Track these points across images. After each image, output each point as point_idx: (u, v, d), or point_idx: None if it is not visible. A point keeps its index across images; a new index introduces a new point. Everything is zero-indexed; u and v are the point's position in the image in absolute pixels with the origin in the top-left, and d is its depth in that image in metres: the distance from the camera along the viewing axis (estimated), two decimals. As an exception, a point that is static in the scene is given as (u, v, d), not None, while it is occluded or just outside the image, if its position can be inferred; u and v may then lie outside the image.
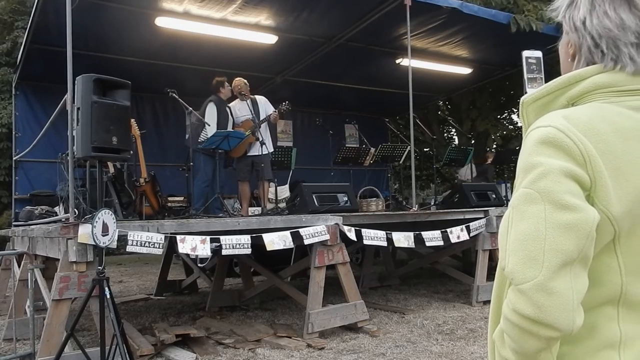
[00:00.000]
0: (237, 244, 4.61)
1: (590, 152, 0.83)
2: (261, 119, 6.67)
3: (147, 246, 4.18)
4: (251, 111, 6.64)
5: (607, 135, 0.86)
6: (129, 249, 4.13)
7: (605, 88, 0.91)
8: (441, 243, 6.04)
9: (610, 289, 0.87)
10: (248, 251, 4.67)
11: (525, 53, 1.40)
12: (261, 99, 6.85)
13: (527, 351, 0.84)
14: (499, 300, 0.95)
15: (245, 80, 6.86)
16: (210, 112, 6.50)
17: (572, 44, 0.98)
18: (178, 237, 4.40)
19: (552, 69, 10.06)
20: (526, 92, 1.33)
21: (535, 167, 0.84)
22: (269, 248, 4.77)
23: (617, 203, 0.83)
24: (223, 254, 4.59)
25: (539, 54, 1.40)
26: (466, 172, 10.34)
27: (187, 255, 8.16)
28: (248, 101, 6.73)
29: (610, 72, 0.91)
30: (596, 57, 0.93)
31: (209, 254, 4.53)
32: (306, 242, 5.00)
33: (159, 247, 4.23)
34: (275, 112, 6.69)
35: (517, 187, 0.87)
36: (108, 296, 3.60)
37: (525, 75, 1.31)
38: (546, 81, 1.36)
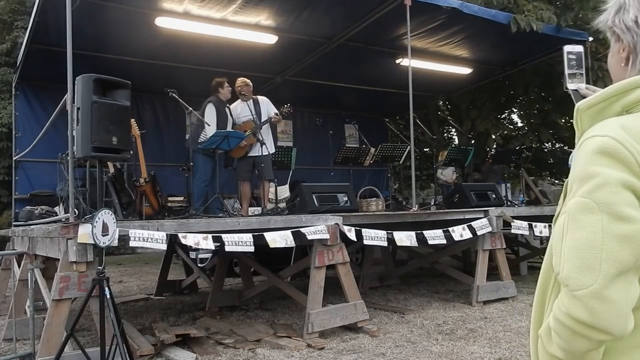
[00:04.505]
0: (239, 241, 4.61)
1: None
2: (263, 119, 6.67)
3: (150, 241, 4.18)
4: (252, 112, 6.64)
5: None
6: (132, 243, 4.13)
7: None
8: (444, 242, 6.04)
9: None
10: (251, 249, 4.67)
11: (567, 48, 1.39)
12: (263, 100, 6.84)
13: (577, 351, 0.88)
14: (543, 299, 1.00)
15: (249, 81, 6.84)
16: (210, 113, 6.49)
17: (625, 46, 1.00)
18: (180, 234, 4.40)
19: (551, 69, 10.05)
20: (566, 89, 1.33)
21: (593, 177, 0.86)
22: (271, 245, 4.78)
23: None
24: (226, 250, 4.58)
25: (580, 48, 1.38)
26: (449, 173, 10.35)
27: (187, 255, 8.18)
28: (250, 102, 6.73)
29: None
30: None
31: (212, 247, 4.52)
32: (309, 237, 5.00)
33: (162, 242, 4.22)
34: (277, 114, 6.68)
35: (572, 195, 0.89)
36: (108, 296, 3.60)
37: (566, 71, 1.30)
38: (567, 78, 1.36)
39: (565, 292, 0.87)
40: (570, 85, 1.37)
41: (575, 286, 0.84)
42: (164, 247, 4.28)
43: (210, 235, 4.50)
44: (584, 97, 1.36)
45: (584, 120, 0.97)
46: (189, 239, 4.40)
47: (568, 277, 0.85)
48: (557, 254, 0.90)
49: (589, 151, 0.88)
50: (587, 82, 1.35)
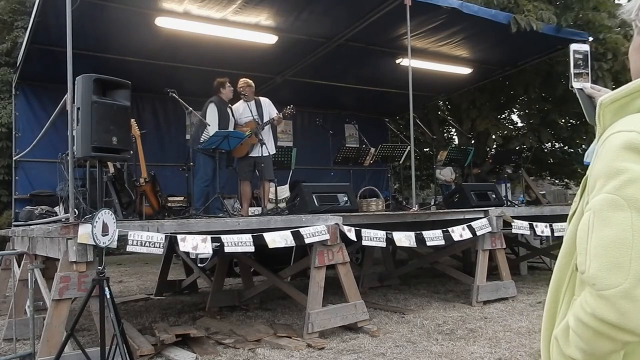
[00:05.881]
0: (239, 242, 4.60)
1: None
2: (265, 120, 6.67)
3: (147, 246, 4.17)
4: (252, 112, 6.64)
5: None
6: (129, 248, 4.12)
7: None
8: (442, 242, 6.03)
9: None
10: (251, 249, 4.66)
11: (573, 46, 1.37)
12: (265, 101, 6.84)
13: (599, 352, 0.85)
14: (555, 299, 0.98)
15: (251, 81, 6.83)
16: (211, 113, 6.49)
17: None
18: (179, 236, 4.39)
19: (551, 69, 10.04)
20: (571, 87, 1.34)
21: (621, 173, 0.84)
22: (270, 246, 4.77)
23: None
24: (226, 251, 4.57)
25: (586, 47, 1.36)
26: (447, 173, 10.35)
27: (187, 255, 8.16)
28: (252, 102, 6.73)
29: None
30: None
31: (211, 252, 4.51)
32: (307, 241, 5.00)
33: (159, 247, 4.21)
34: (279, 114, 6.68)
35: (598, 192, 0.87)
36: (108, 296, 3.60)
37: (572, 70, 1.28)
38: (573, 77, 1.36)
39: (590, 291, 0.84)
40: (576, 84, 1.36)
41: (603, 285, 0.81)
42: (160, 251, 4.27)
43: (209, 238, 4.48)
44: (589, 96, 1.35)
45: (606, 116, 0.95)
46: (188, 243, 4.38)
47: (595, 276, 0.82)
48: (582, 253, 0.86)
49: (616, 147, 0.86)
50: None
